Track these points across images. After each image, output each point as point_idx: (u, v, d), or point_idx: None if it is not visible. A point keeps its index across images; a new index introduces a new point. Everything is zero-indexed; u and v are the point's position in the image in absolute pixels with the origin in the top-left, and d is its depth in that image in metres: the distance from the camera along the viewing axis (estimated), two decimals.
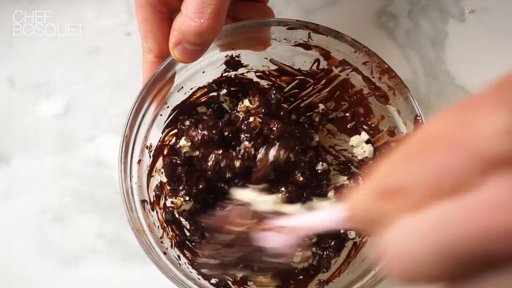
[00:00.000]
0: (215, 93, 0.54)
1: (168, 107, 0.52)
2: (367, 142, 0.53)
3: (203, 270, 0.47)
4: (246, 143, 0.49)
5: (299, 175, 0.51)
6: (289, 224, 0.33)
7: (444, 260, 0.17)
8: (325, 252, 0.52)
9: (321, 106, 0.55)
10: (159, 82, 0.48)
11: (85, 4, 0.63)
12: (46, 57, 0.61)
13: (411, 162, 0.19)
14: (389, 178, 0.19)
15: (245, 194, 0.40)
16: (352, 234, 0.51)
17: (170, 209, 0.51)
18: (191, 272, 0.49)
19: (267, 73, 0.54)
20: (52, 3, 0.63)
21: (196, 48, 0.42)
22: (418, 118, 0.47)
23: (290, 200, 0.48)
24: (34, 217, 0.56)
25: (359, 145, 0.53)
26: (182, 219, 0.53)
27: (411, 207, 0.18)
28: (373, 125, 0.53)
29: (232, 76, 0.53)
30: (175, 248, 0.50)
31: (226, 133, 0.51)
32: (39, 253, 0.55)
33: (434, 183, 0.18)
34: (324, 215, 0.29)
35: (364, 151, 0.53)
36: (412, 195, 0.18)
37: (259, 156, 0.49)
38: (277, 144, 0.49)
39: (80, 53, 0.61)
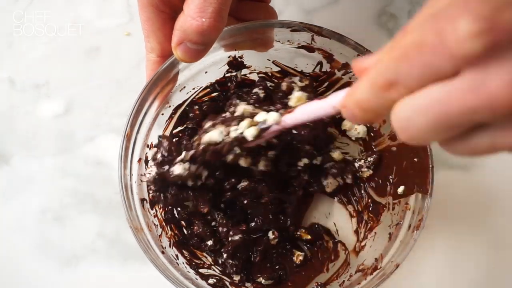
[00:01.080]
0: (217, 93, 0.54)
1: (169, 106, 0.52)
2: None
3: None
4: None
5: None
6: (294, 118, 0.39)
7: (437, 126, 0.24)
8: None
9: None
10: (161, 81, 0.48)
11: (85, 4, 0.63)
12: (46, 57, 0.61)
13: (402, 62, 0.24)
14: (385, 74, 0.25)
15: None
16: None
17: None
18: (188, 272, 0.49)
19: (270, 74, 0.54)
20: (52, 3, 0.63)
21: (199, 47, 0.42)
22: None
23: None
24: (34, 217, 0.56)
25: (351, 127, 0.53)
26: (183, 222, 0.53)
27: (404, 95, 0.25)
28: (374, 128, 0.53)
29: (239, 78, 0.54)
30: (173, 247, 0.50)
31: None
32: (39, 253, 0.55)
33: (420, 77, 0.24)
34: (329, 102, 0.34)
35: (358, 132, 0.53)
36: (405, 86, 0.25)
37: None
38: None
39: (80, 53, 0.61)
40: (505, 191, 0.56)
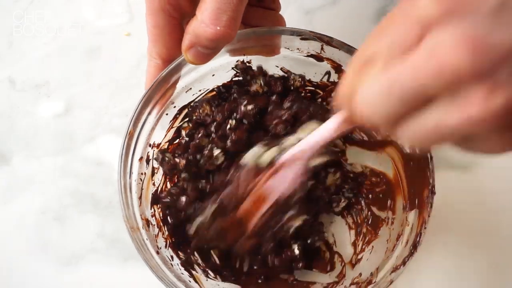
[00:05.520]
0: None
1: (174, 106, 0.51)
2: None
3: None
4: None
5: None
6: (297, 152, 0.38)
7: (393, 101, 0.24)
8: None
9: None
10: (167, 80, 0.47)
11: (85, 4, 0.63)
12: (46, 57, 0.61)
13: (375, 38, 0.25)
14: (361, 54, 0.26)
15: (247, 156, 0.44)
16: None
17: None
18: (182, 274, 0.48)
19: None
20: (52, 3, 0.63)
21: (209, 51, 0.42)
22: None
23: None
24: (34, 217, 0.56)
25: None
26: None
27: (381, 69, 0.24)
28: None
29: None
30: (169, 248, 0.50)
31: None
32: (39, 253, 0.55)
33: (389, 48, 0.24)
34: (325, 127, 0.34)
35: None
36: (378, 62, 0.24)
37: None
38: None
39: (80, 53, 0.61)
40: (505, 191, 0.56)
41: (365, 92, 0.25)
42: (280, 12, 0.52)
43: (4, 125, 0.59)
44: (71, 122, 0.59)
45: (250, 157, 0.43)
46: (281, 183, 0.41)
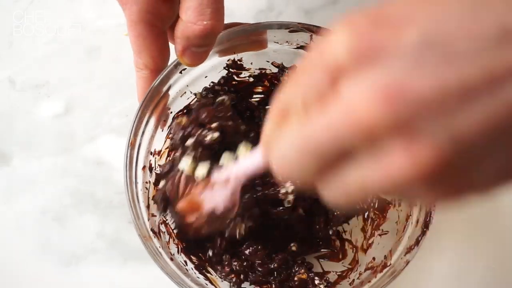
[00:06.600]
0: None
1: (171, 112, 0.51)
2: None
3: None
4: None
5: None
6: (225, 176, 0.40)
7: (310, 158, 0.22)
8: None
9: None
10: (156, 96, 0.47)
11: (85, 4, 0.63)
12: (46, 57, 0.61)
13: (291, 85, 0.23)
14: (277, 103, 0.24)
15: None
16: None
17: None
18: (198, 277, 0.49)
19: (268, 75, 0.54)
20: (52, 3, 0.63)
21: (204, 49, 0.42)
22: None
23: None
24: (34, 217, 0.56)
25: None
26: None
27: (296, 123, 0.23)
28: None
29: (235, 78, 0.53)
30: (181, 253, 0.50)
31: None
32: (39, 253, 0.55)
33: (302, 100, 0.22)
34: (250, 160, 0.35)
35: None
36: (293, 114, 0.23)
37: None
38: None
39: (80, 53, 0.61)
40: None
41: (280, 148, 0.24)
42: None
43: (4, 125, 0.59)
44: (71, 122, 0.59)
45: (185, 165, 0.44)
46: (215, 198, 0.42)
